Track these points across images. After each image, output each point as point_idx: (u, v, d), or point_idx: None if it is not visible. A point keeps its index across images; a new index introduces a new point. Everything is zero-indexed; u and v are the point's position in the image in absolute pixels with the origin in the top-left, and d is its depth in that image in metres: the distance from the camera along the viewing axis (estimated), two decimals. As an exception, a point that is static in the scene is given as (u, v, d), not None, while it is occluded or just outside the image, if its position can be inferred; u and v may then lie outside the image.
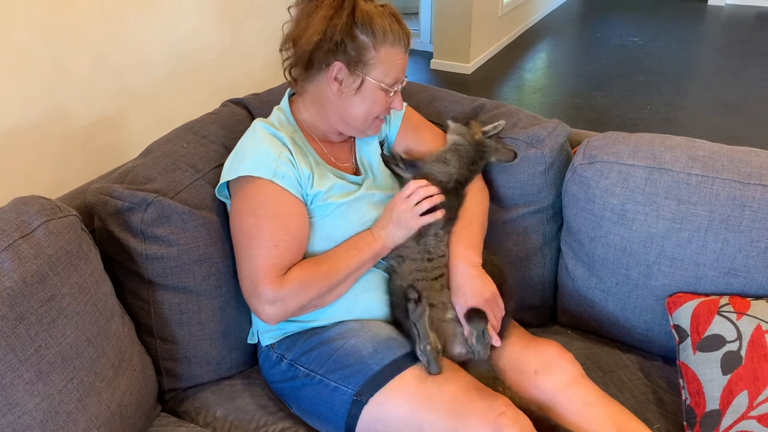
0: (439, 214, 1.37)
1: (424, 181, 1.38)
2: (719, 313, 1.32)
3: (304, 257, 1.35)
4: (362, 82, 1.33)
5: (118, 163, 2.14)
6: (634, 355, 1.53)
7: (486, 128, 1.51)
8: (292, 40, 1.36)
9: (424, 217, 1.36)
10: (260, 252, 1.29)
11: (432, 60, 4.80)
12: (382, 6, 1.33)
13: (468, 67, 4.67)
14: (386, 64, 1.33)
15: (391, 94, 1.37)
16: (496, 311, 1.34)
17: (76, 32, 1.94)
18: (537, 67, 4.99)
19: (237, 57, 2.61)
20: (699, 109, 4.26)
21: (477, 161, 1.48)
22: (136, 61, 2.16)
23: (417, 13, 5.13)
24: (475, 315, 1.30)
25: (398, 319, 1.36)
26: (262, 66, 2.72)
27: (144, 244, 1.31)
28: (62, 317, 1.10)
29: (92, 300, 1.17)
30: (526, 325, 1.52)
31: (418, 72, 4.78)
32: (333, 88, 1.34)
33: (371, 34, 1.30)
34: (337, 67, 1.32)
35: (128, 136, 2.19)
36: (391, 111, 1.53)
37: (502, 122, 1.52)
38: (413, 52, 5.12)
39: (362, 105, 1.36)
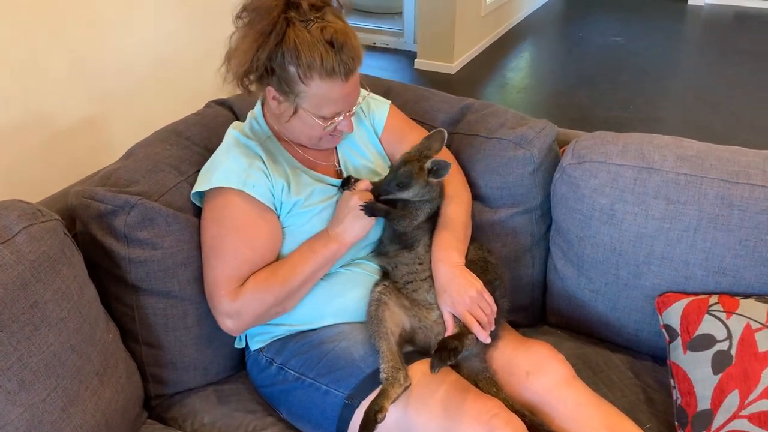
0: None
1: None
2: (709, 312, 1.32)
3: None
4: (296, 110, 1.29)
5: (99, 165, 2.10)
6: (623, 354, 1.53)
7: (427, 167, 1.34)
8: (227, 60, 1.32)
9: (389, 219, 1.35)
10: (219, 263, 1.29)
11: (416, 60, 4.79)
12: (322, 29, 1.22)
13: (452, 66, 4.67)
14: (318, 97, 1.26)
15: (334, 122, 1.32)
16: (484, 306, 1.29)
17: (56, 34, 1.91)
18: (520, 67, 5.00)
19: (215, 59, 2.57)
20: (681, 107, 4.30)
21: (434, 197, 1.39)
22: (116, 63, 2.13)
23: (400, 12, 5.11)
24: (441, 351, 1.23)
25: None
26: (246, 66, 2.69)
27: (127, 247, 1.29)
28: (45, 324, 1.08)
29: (76, 306, 1.14)
30: (515, 325, 1.51)
31: (402, 72, 4.77)
32: (273, 105, 1.32)
33: (297, 66, 1.22)
34: (272, 92, 1.29)
35: (108, 139, 2.16)
36: (373, 111, 1.51)
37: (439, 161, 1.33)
38: (397, 52, 5.11)
39: (303, 128, 1.33)
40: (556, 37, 5.79)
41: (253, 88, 1.33)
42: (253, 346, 1.43)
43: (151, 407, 1.41)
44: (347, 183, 1.35)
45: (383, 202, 1.33)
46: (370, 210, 1.29)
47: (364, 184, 1.34)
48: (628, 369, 1.49)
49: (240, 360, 1.50)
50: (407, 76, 4.68)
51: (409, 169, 1.31)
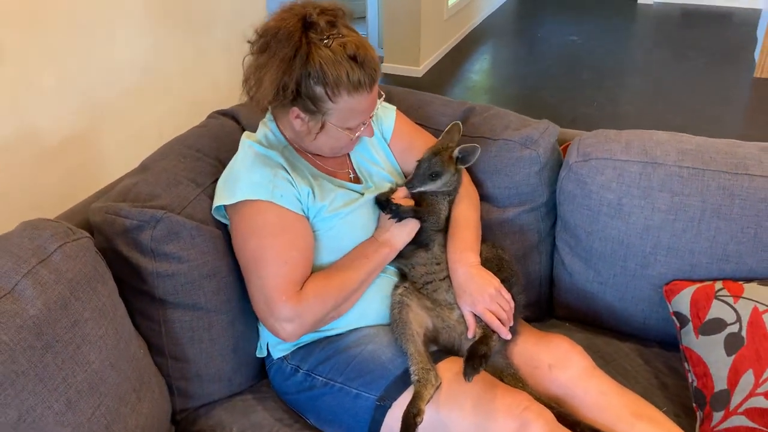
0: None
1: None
2: (716, 298, 1.39)
3: (313, 271, 1.35)
4: (323, 125, 1.32)
5: (91, 180, 2.08)
6: (632, 343, 1.59)
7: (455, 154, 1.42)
8: (247, 93, 1.32)
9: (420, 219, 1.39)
10: (270, 272, 1.28)
11: (382, 64, 4.82)
12: (343, 45, 1.24)
13: (419, 70, 4.72)
14: (346, 111, 1.29)
15: (359, 131, 1.36)
16: (503, 303, 1.35)
17: (44, 47, 1.87)
18: (484, 69, 5.09)
19: (201, 67, 2.56)
20: (641, 102, 4.45)
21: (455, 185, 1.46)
22: (103, 75, 2.10)
23: (364, 17, 5.14)
24: (472, 359, 1.25)
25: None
26: (227, 75, 2.68)
27: (154, 262, 1.28)
28: (86, 343, 1.07)
29: (112, 323, 1.14)
30: (525, 320, 1.55)
31: (370, 76, 4.79)
32: (297, 124, 1.33)
33: (324, 85, 1.24)
34: (296, 112, 1.31)
35: (99, 153, 2.13)
36: (381, 118, 1.53)
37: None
38: (362, 57, 5.13)
39: (327, 141, 1.36)
40: (515, 38, 5.92)
41: (273, 110, 1.34)
42: (276, 354, 1.44)
43: (176, 422, 1.41)
44: (385, 205, 1.38)
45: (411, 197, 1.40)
46: (397, 214, 1.33)
47: (402, 192, 1.38)
48: (638, 356, 1.55)
49: (261, 369, 1.51)
50: (381, 71, 4.70)
51: (440, 159, 1.38)
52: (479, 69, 5.05)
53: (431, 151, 1.41)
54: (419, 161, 1.40)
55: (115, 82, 2.15)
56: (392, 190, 1.42)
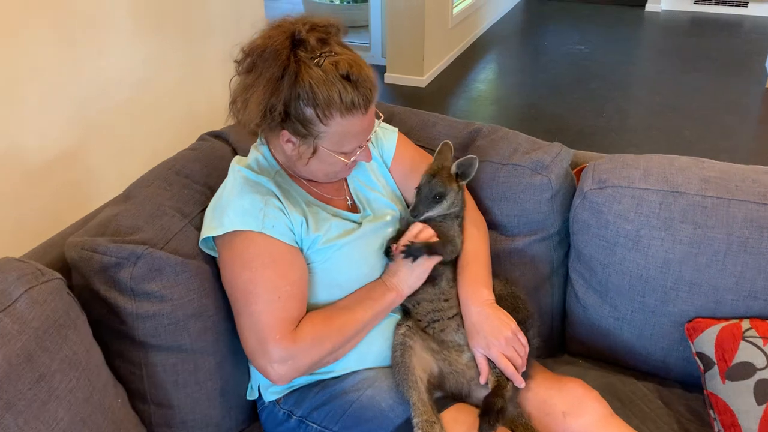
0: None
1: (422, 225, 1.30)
2: (744, 339, 1.29)
3: (308, 308, 1.25)
4: (315, 150, 1.22)
5: (80, 200, 1.99)
6: (650, 382, 1.48)
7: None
8: (233, 115, 1.23)
9: (434, 255, 1.28)
10: (262, 308, 1.18)
11: (385, 74, 4.73)
12: (335, 64, 1.15)
13: (422, 80, 4.63)
14: (339, 135, 1.19)
15: (355, 155, 1.26)
16: (519, 348, 1.27)
17: (27, 61, 1.78)
18: (489, 78, 5.00)
19: (197, 80, 2.47)
20: (650, 114, 4.34)
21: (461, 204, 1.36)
22: (92, 90, 2.01)
23: (367, 26, 5.06)
24: (488, 415, 1.18)
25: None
26: (223, 87, 2.57)
27: (134, 302, 1.18)
28: (54, 399, 0.97)
29: (84, 374, 1.03)
30: (538, 351, 1.45)
31: (372, 86, 4.70)
32: (288, 148, 1.23)
33: (315, 107, 1.15)
34: (286, 136, 1.21)
35: (88, 170, 2.03)
36: (381, 141, 1.44)
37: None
38: (365, 66, 5.03)
39: (321, 166, 1.26)
40: (520, 47, 5.82)
41: (262, 133, 1.24)
42: (268, 397, 1.34)
43: (159, 471, 1.30)
44: (390, 251, 1.29)
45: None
46: (410, 253, 1.24)
47: (416, 229, 1.28)
48: (658, 398, 1.44)
49: (252, 411, 1.40)
50: (378, 91, 4.61)
51: (439, 179, 1.28)
52: (485, 78, 4.96)
53: (428, 174, 1.31)
54: (418, 187, 1.31)
55: (106, 96, 2.05)
56: (400, 232, 1.32)
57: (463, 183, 1.34)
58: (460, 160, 1.30)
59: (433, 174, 1.30)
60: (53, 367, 0.98)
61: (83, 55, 1.95)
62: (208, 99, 2.52)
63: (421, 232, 1.28)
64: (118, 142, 2.13)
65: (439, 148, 1.35)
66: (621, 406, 1.42)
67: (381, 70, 4.84)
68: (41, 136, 1.85)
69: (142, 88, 2.21)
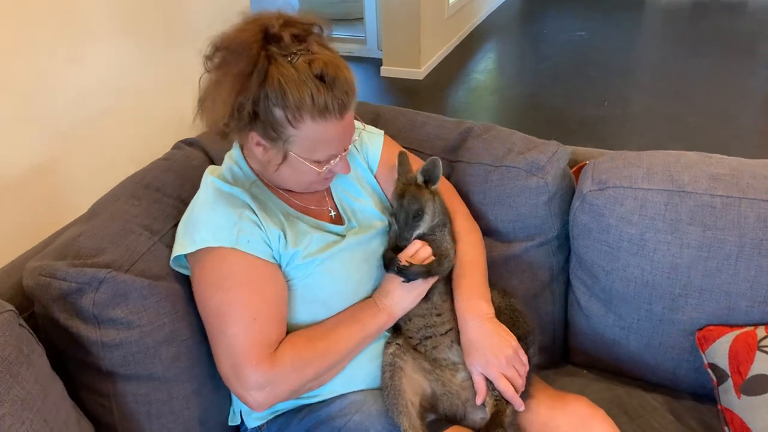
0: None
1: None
2: (760, 349, 1.19)
3: (288, 328, 1.16)
4: (285, 155, 1.12)
5: (59, 213, 1.89)
6: (659, 394, 1.39)
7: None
8: (202, 115, 1.15)
9: (432, 277, 1.20)
10: (237, 330, 1.09)
11: (382, 67, 4.63)
12: (309, 63, 1.05)
13: (420, 72, 4.52)
14: (310, 140, 1.10)
15: (329, 165, 1.16)
16: (520, 367, 1.18)
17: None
18: (488, 68, 4.89)
19: (176, 87, 2.37)
20: (653, 100, 4.23)
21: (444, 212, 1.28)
22: (67, 98, 1.91)
23: (362, 18, 4.95)
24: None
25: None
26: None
27: (99, 330, 1.09)
28: (3, 446, 0.88)
29: (39, 414, 0.94)
30: (538, 367, 1.36)
31: (369, 81, 4.60)
32: (258, 152, 1.14)
33: (284, 108, 1.06)
34: (255, 138, 1.11)
35: (67, 183, 1.94)
36: (366, 145, 1.35)
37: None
38: (361, 60, 4.94)
39: (291, 174, 1.17)
40: (519, 35, 5.70)
41: (233, 136, 1.15)
42: (250, 423, 1.25)
43: (136, 507, 1.22)
44: (389, 265, 1.20)
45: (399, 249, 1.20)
46: (407, 275, 1.16)
47: (414, 248, 1.19)
48: (668, 411, 1.35)
49: (235, 437, 1.32)
50: (374, 85, 4.52)
51: (410, 195, 1.20)
52: (483, 69, 4.85)
53: (397, 196, 1.22)
54: (392, 214, 1.23)
55: (82, 105, 1.96)
56: (390, 243, 1.24)
57: (435, 187, 1.24)
58: (422, 166, 1.22)
59: (401, 194, 1.21)
60: (2, 411, 0.89)
61: (56, 63, 1.86)
62: (194, 103, 2.42)
63: (418, 252, 1.20)
64: (98, 153, 2.04)
65: (398, 159, 1.27)
66: (629, 421, 1.33)
67: (377, 63, 4.74)
68: (12, 148, 1.77)
69: (122, 95, 2.11)
